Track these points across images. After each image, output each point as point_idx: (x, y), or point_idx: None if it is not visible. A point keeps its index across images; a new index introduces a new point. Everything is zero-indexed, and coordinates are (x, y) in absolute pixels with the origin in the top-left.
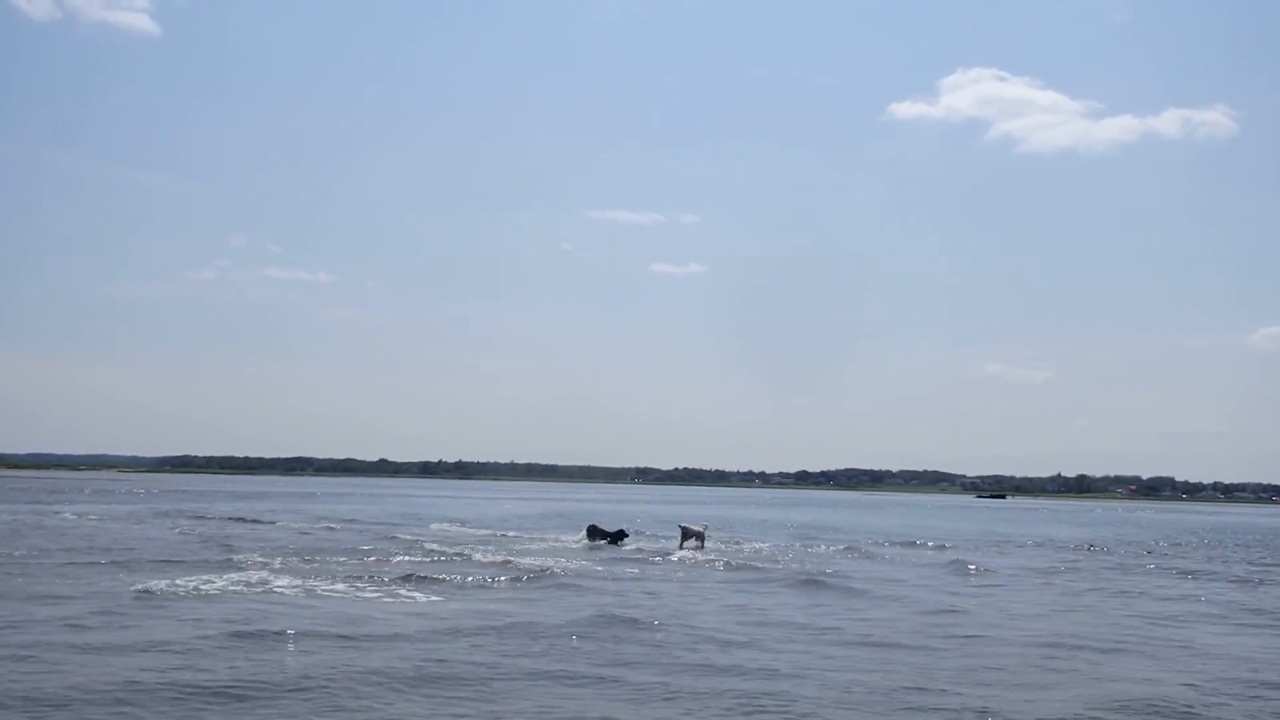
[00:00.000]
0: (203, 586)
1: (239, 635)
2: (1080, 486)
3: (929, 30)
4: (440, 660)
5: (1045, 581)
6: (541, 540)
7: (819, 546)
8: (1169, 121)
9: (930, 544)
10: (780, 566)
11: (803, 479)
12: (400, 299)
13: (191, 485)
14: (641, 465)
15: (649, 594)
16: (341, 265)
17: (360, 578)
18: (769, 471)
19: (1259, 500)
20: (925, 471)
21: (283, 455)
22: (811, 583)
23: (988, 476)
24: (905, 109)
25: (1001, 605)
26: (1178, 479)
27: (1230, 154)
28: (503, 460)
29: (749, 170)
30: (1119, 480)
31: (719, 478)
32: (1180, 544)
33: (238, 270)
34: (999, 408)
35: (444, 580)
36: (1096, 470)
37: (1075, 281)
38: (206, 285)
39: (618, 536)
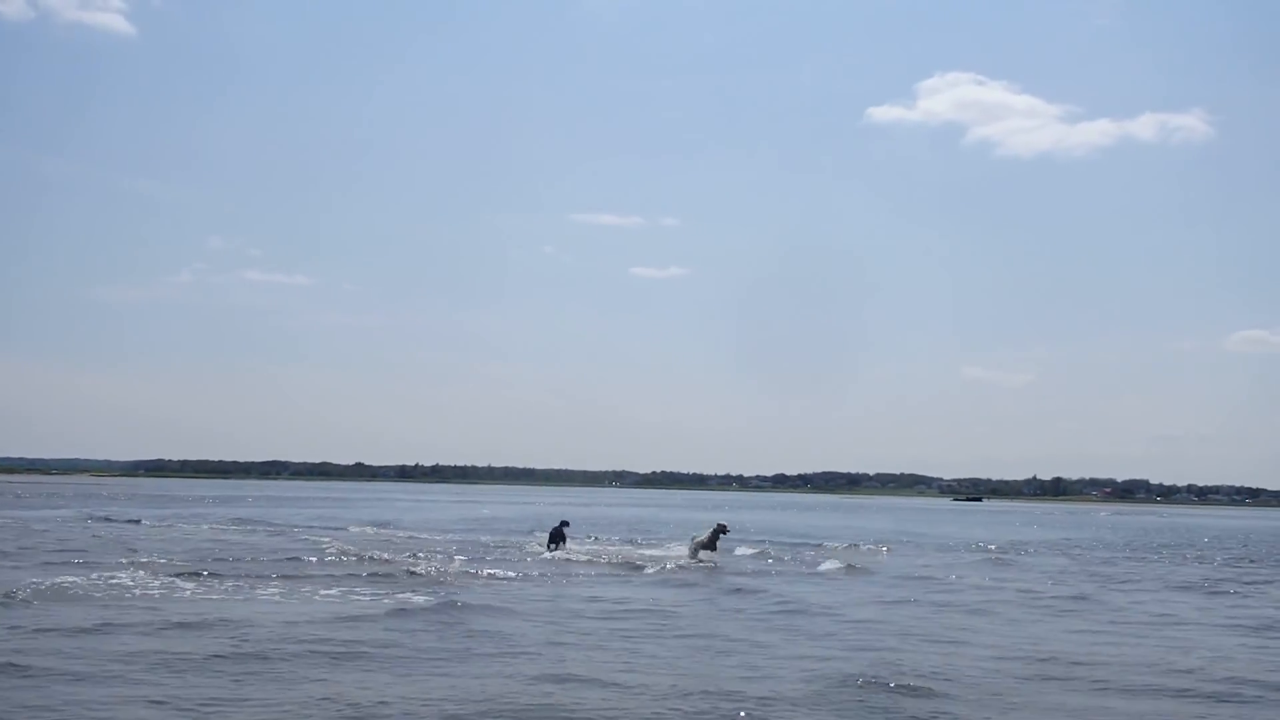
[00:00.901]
0: None
1: None
2: (1057, 489)
3: (907, 33)
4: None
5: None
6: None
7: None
8: (1146, 125)
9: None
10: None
11: (780, 482)
12: (379, 302)
13: (155, 490)
14: (619, 468)
15: None
16: (321, 268)
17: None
18: (747, 475)
19: (1233, 503)
20: (903, 474)
21: (258, 459)
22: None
23: (965, 479)
24: (884, 112)
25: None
26: (1153, 482)
27: (1206, 158)
28: (480, 464)
29: (729, 173)
30: (1095, 483)
31: (697, 481)
32: (1106, 543)
33: (216, 273)
34: (978, 411)
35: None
36: (1073, 473)
37: (1055, 285)
38: (184, 288)
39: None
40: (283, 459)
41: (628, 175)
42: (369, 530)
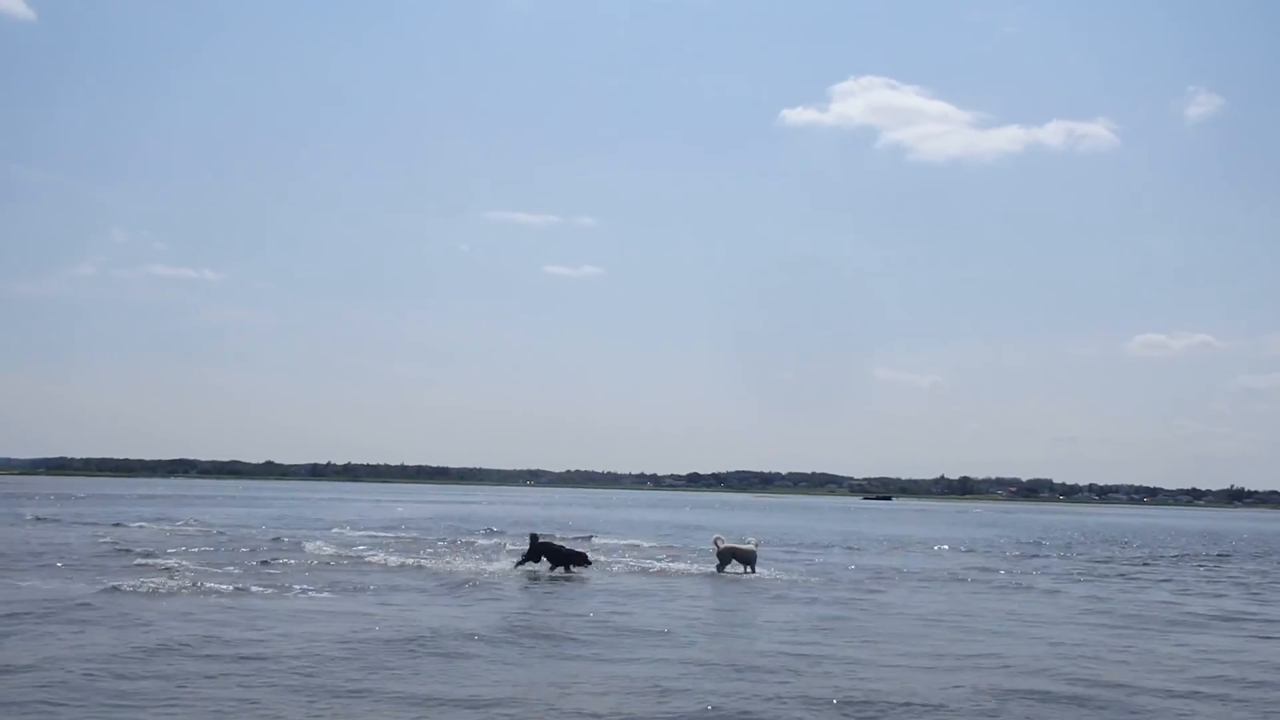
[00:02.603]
0: None
1: None
2: (963, 488)
3: (821, 37)
4: None
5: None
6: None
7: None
8: (1054, 133)
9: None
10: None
11: (694, 481)
12: (290, 299)
13: (74, 489)
14: (533, 467)
15: None
16: (230, 264)
17: None
18: (661, 473)
19: (1131, 501)
20: (814, 474)
21: (164, 457)
22: None
23: (874, 479)
24: (797, 115)
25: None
26: (1056, 481)
27: (1110, 166)
28: (393, 462)
29: (644, 174)
30: (1000, 483)
31: (611, 480)
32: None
33: (119, 267)
34: (887, 412)
35: None
36: (979, 473)
37: (963, 289)
38: (86, 282)
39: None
40: (191, 457)
41: (543, 174)
42: (185, 526)
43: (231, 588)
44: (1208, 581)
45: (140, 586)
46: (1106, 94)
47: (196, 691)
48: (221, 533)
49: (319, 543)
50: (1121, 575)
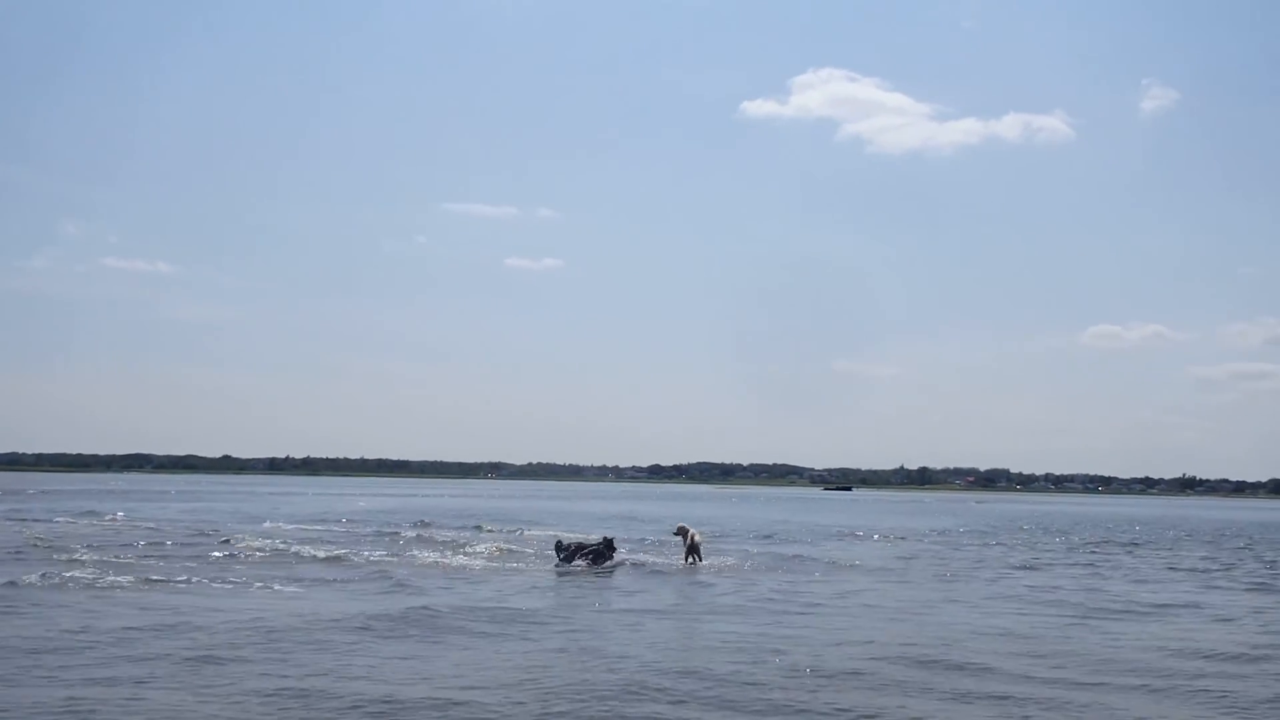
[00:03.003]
0: None
1: None
2: (923, 479)
3: (781, 29)
4: None
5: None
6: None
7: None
8: (1010, 125)
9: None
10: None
11: (656, 473)
12: (245, 292)
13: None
14: (495, 460)
15: None
16: (183, 256)
17: None
18: (623, 465)
19: (1086, 490)
20: (775, 465)
21: (120, 452)
22: None
23: (835, 469)
24: (757, 107)
25: None
26: (1013, 471)
27: (1066, 159)
28: (353, 456)
29: (605, 166)
30: (958, 473)
31: (573, 472)
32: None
33: (72, 260)
34: (846, 403)
35: None
36: (938, 464)
37: (920, 281)
38: (38, 275)
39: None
40: (146, 451)
41: (503, 166)
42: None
43: (130, 579)
44: (1087, 567)
45: (41, 582)
46: (1063, 87)
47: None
48: (152, 528)
49: (244, 537)
50: (1055, 563)
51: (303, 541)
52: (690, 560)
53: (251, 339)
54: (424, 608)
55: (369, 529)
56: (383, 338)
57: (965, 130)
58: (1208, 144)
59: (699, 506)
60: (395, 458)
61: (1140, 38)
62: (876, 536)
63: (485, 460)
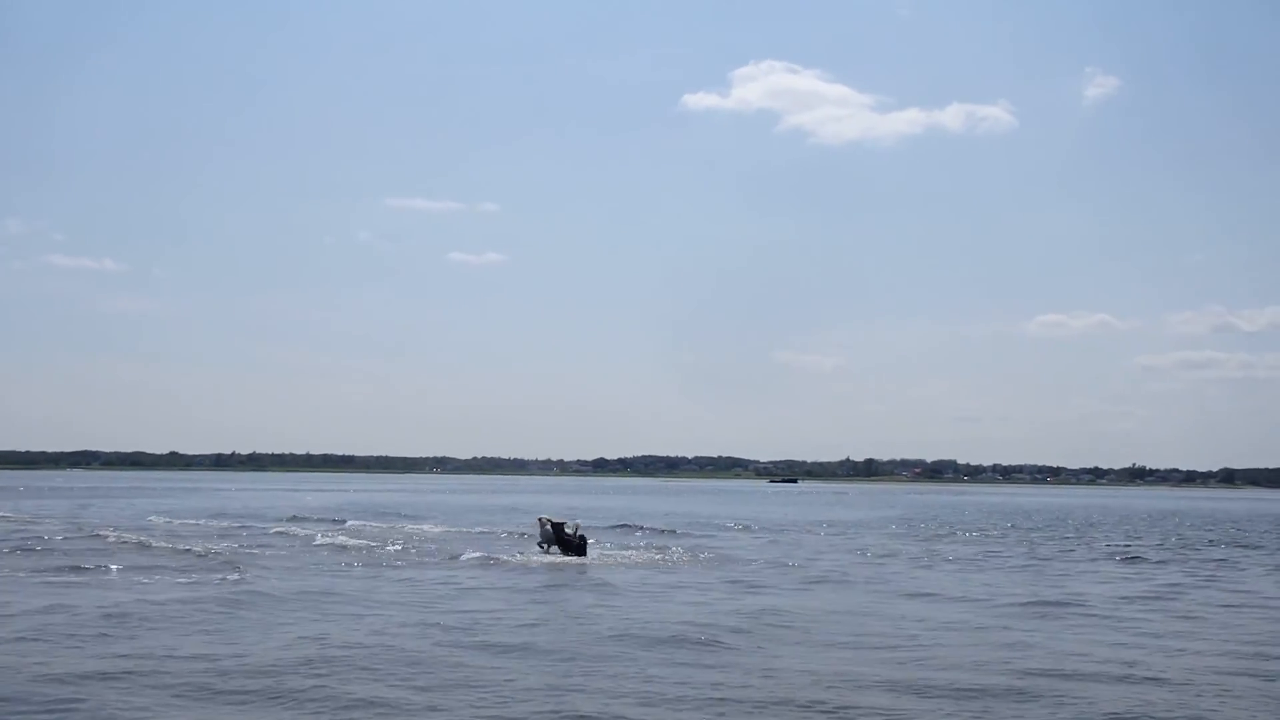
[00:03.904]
0: None
1: None
2: (869, 470)
3: (721, 21)
4: None
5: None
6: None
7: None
8: (953, 115)
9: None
10: None
11: (600, 466)
12: (192, 289)
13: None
14: (439, 454)
15: None
16: (129, 254)
17: None
18: (567, 459)
19: (1034, 481)
20: (720, 457)
21: (67, 449)
22: None
23: (780, 461)
24: (698, 100)
25: None
26: (960, 462)
27: (1010, 148)
28: (299, 451)
29: (547, 159)
30: (905, 464)
31: (518, 466)
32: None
33: (16, 258)
34: (789, 395)
35: None
36: (884, 455)
37: (864, 271)
38: None
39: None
40: (93, 448)
41: (445, 161)
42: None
43: None
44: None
45: None
46: (1006, 76)
47: None
48: (32, 522)
49: (118, 531)
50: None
51: (176, 535)
52: (547, 549)
53: (197, 336)
54: None
55: (269, 522)
56: (328, 333)
57: (908, 120)
58: (1151, 131)
59: (621, 499)
60: (341, 453)
61: (1081, 25)
62: (755, 528)
63: (430, 455)
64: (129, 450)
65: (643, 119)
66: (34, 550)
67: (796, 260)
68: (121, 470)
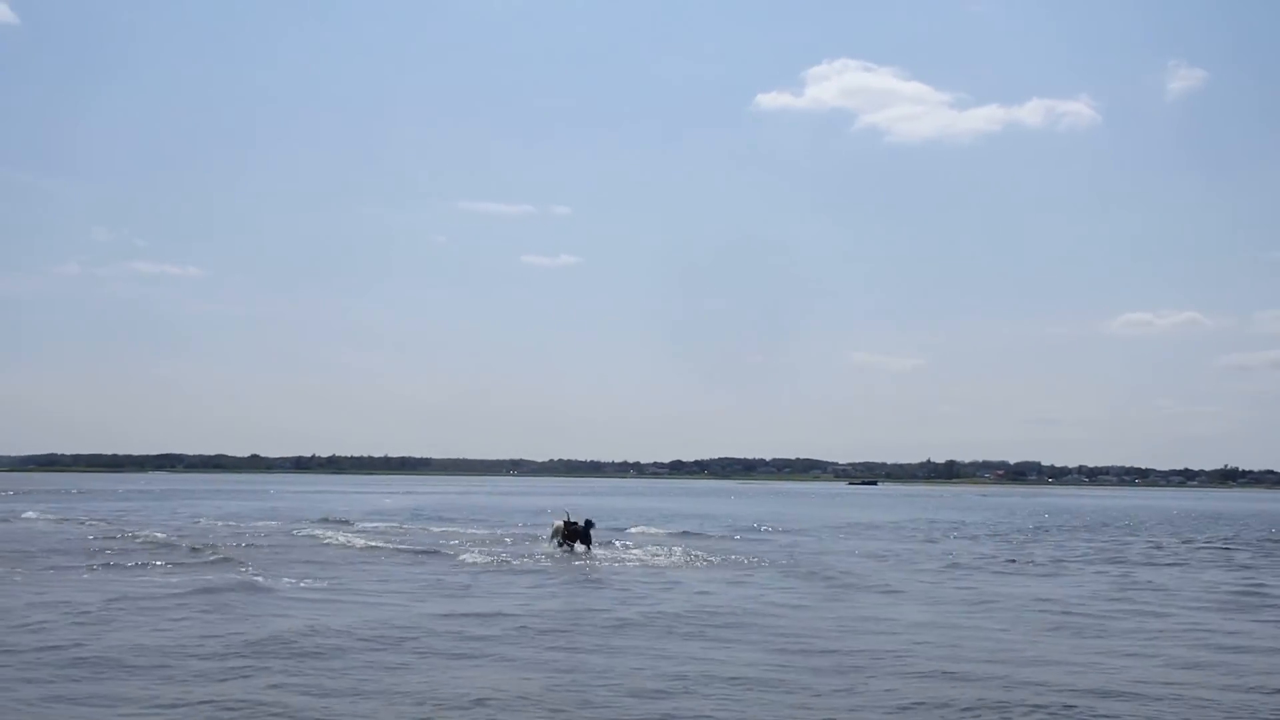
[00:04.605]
0: None
1: None
2: (950, 472)
3: (795, 20)
4: None
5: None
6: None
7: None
8: (1033, 111)
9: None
10: None
11: (678, 469)
12: (271, 293)
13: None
14: (516, 457)
15: None
16: (210, 259)
17: None
18: (644, 462)
19: (1121, 483)
20: (798, 459)
21: (152, 452)
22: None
23: (859, 464)
24: (771, 99)
25: None
26: (1044, 464)
27: (1092, 144)
28: (377, 454)
29: (619, 161)
30: (987, 465)
31: (594, 469)
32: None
33: (102, 265)
34: (867, 395)
35: None
36: (966, 456)
37: (943, 270)
38: (71, 280)
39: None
40: (177, 452)
41: (518, 164)
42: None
43: None
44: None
45: None
46: (1086, 71)
47: None
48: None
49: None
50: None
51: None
52: (564, 546)
53: (276, 340)
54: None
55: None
56: (405, 337)
57: (986, 117)
58: (1238, 124)
59: (687, 501)
60: (419, 455)
61: (1163, 17)
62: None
63: (506, 458)
64: (211, 453)
65: (715, 119)
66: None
67: (873, 260)
68: (203, 473)
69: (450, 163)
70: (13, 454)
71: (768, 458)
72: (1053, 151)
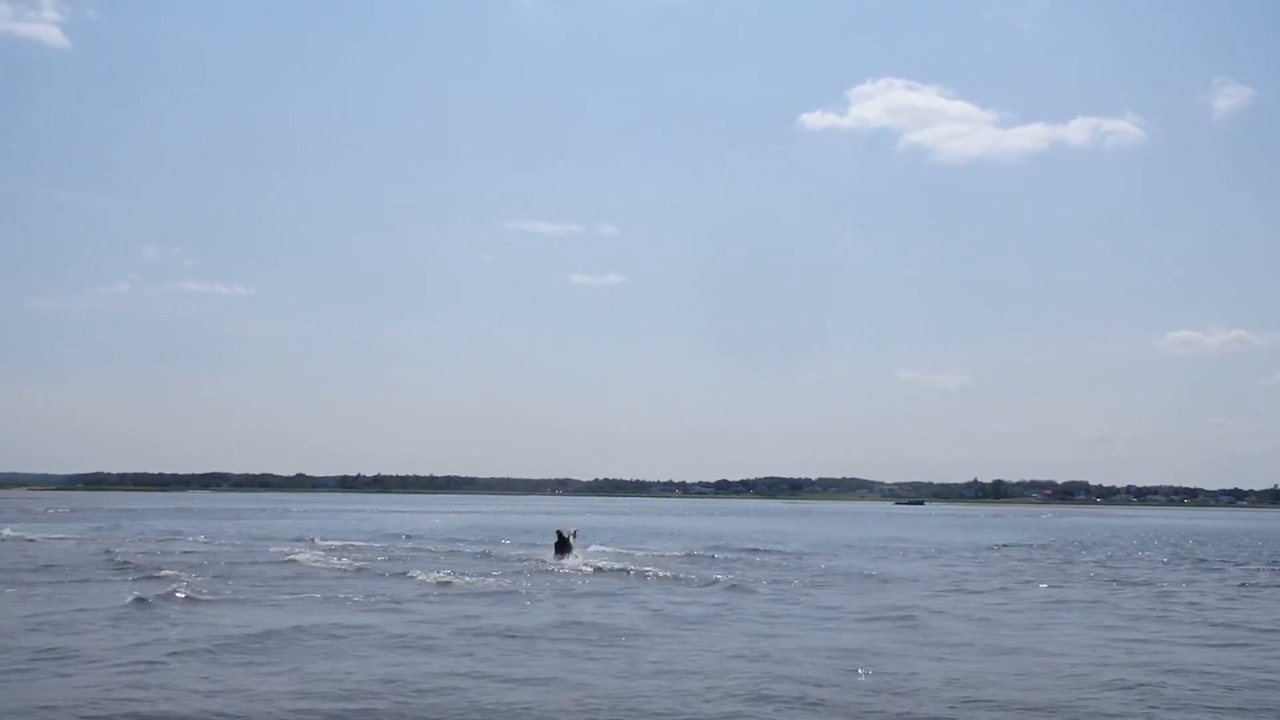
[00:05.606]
0: None
1: None
2: (997, 492)
3: (838, 40)
4: None
5: None
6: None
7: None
8: (1078, 130)
9: None
10: None
11: (723, 488)
12: (317, 312)
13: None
14: (561, 476)
15: None
16: (257, 278)
17: None
18: (689, 481)
19: (1170, 503)
20: (844, 479)
21: (198, 471)
22: None
23: (905, 483)
24: (816, 119)
25: None
26: (1092, 483)
27: (1139, 162)
28: (422, 473)
29: (665, 181)
30: (1035, 485)
31: (639, 488)
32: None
33: (151, 283)
34: (913, 414)
35: None
36: (1013, 476)
37: (989, 289)
38: (119, 299)
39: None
40: (223, 470)
41: (565, 184)
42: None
43: None
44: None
45: None
46: (1132, 89)
47: None
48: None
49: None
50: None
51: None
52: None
53: (322, 358)
54: None
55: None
56: (451, 356)
57: (1032, 136)
58: None
59: (772, 521)
60: (464, 474)
61: (1209, 35)
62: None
63: (552, 476)
64: (257, 472)
65: (760, 139)
66: None
67: (919, 278)
68: (249, 491)
69: (497, 182)
70: (60, 472)
71: (813, 477)
72: (1098, 170)
